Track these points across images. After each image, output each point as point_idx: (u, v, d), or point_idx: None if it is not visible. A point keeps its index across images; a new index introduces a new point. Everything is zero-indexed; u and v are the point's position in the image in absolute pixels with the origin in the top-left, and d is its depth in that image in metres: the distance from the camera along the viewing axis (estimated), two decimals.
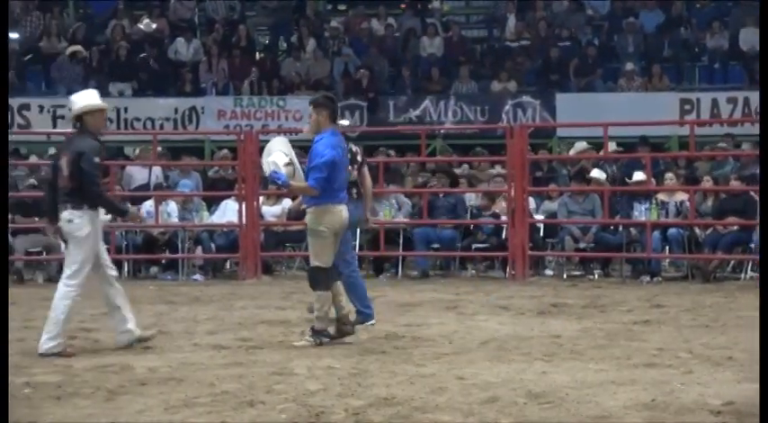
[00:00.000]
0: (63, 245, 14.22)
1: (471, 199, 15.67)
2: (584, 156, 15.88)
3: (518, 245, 14.02)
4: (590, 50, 20.90)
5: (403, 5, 23.54)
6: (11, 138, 18.12)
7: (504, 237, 14.62)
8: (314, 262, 8.87)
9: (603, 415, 6.18)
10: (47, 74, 21.53)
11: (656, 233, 14.05)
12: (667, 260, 14.92)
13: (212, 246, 15.01)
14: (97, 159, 8.45)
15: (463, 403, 6.49)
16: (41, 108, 20.18)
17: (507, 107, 19.98)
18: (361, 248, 14.76)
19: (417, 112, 20.22)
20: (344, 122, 9.79)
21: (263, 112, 20.25)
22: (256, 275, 14.37)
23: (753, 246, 13.54)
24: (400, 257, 15.05)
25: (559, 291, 12.84)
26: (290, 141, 9.02)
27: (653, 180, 14.75)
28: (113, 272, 8.77)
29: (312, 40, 21.67)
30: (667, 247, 14.19)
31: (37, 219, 14.70)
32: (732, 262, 14.35)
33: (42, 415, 6.36)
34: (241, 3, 23.06)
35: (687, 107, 19.42)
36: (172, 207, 15.11)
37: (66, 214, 8.43)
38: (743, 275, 13.87)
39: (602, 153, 15.26)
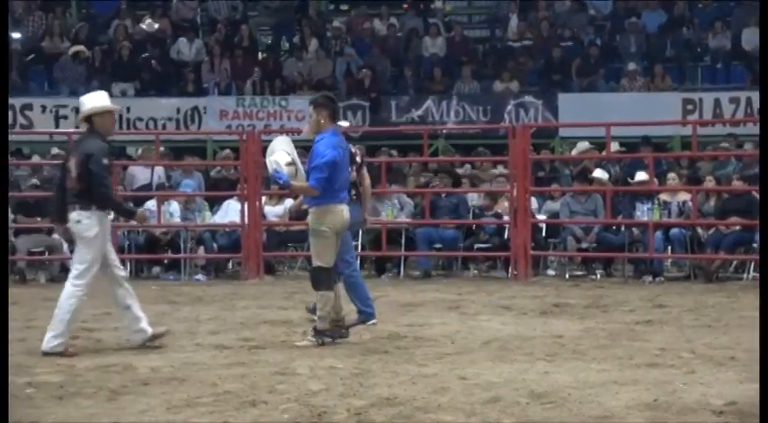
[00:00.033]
0: (66, 245, 14.38)
1: (473, 199, 15.67)
2: (587, 156, 15.88)
3: (520, 245, 14.02)
4: (592, 50, 20.89)
5: (405, 5, 23.55)
6: (13, 138, 18.20)
7: (506, 237, 14.62)
8: (316, 262, 8.87)
9: (606, 415, 6.18)
10: (49, 74, 21.54)
11: (659, 233, 14.04)
12: (670, 260, 14.90)
13: (214, 246, 15.02)
14: (106, 161, 8.47)
15: (465, 403, 6.49)
16: (44, 108, 20.19)
17: (509, 107, 19.97)
18: (363, 248, 14.79)
19: (420, 112, 20.22)
20: (344, 124, 9.78)
21: (266, 113, 20.25)
22: (258, 275, 14.38)
23: (755, 246, 13.52)
24: (402, 257, 15.04)
25: (562, 291, 12.83)
26: (293, 141, 9.03)
27: (655, 180, 14.76)
28: (122, 272, 8.80)
29: (314, 40, 21.67)
30: (670, 248, 14.18)
31: (39, 219, 14.73)
32: (734, 262, 14.34)
33: (44, 415, 6.36)
34: (243, 3, 23.07)
35: (689, 107, 19.42)
36: (174, 207, 15.11)
37: (74, 215, 8.46)
38: (745, 275, 13.86)
39: (604, 153, 15.26)
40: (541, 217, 15.02)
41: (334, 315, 8.89)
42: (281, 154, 8.69)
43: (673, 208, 14.31)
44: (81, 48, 21.28)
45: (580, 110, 18.83)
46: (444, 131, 19.91)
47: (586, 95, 19.97)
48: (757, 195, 13.52)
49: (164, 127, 19.75)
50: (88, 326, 9.58)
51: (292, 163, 8.68)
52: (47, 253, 14.83)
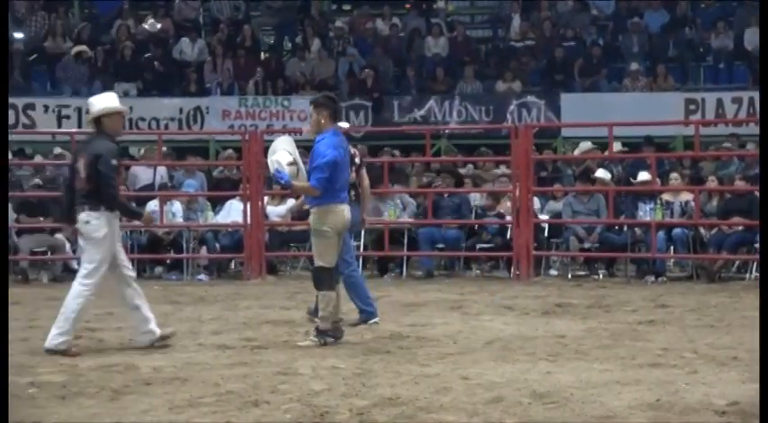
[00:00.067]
0: (68, 244, 14.40)
1: (476, 199, 15.67)
2: (589, 156, 15.87)
3: (523, 245, 14.02)
4: (595, 50, 20.89)
5: (408, 5, 23.56)
6: (16, 137, 18.22)
7: (508, 237, 14.62)
8: (318, 262, 8.87)
9: (608, 415, 6.18)
10: (52, 74, 21.55)
11: (661, 233, 14.04)
12: (672, 260, 14.90)
13: (217, 246, 15.02)
14: (114, 162, 8.49)
15: (468, 403, 6.49)
16: (46, 108, 20.20)
17: (512, 107, 19.97)
18: (365, 248, 14.80)
19: (422, 112, 20.22)
20: (344, 125, 9.79)
21: (268, 112, 20.26)
22: (261, 275, 14.38)
23: (757, 246, 13.51)
24: (405, 257, 15.03)
25: (564, 291, 12.83)
26: (295, 141, 9.03)
27: (658, 180, 14.76)
28: (131, 272, 8.81)
29: (317, 40, 21.68)
30: (672, 248, 14.18)
31: (42, 218, 14.75)
32: (737, 262, 14.34)
33: (47, 414, 6.36)
34: (246, 3, 23.07)
35: (692, 107, 19.42)
36: (176, 207, 15.12)
37: (83, 216, 8.47)
38: (748, 275, 13.86)
39: (606, 153, 15.25)
40: (544, 217, 15.02)
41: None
42: (282, 154, 8.69)
43: (675, 208, 14.30)
44: (83, 48, 21.29)
45: (582, 110, 18.83)
46: (447, 131, 19.90)
47: (589, 95, 19.97)
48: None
49: (166, 127, 19.77)
50: (91, 326, 9.58)
51: (294, 163, 8.68)
52: (49, 253, 14.83)
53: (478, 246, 14.97)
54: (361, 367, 7.71)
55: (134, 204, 12.58)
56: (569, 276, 14.47)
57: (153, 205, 14.80)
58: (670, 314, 10.58)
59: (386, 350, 8.48)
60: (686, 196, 14.31)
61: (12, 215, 14.63)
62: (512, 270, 14.29)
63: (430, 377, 7.29)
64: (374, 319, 9.83)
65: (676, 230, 14.10)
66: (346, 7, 24.80)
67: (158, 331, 8.70)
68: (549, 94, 20.15)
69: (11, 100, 18.89)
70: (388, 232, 14.50)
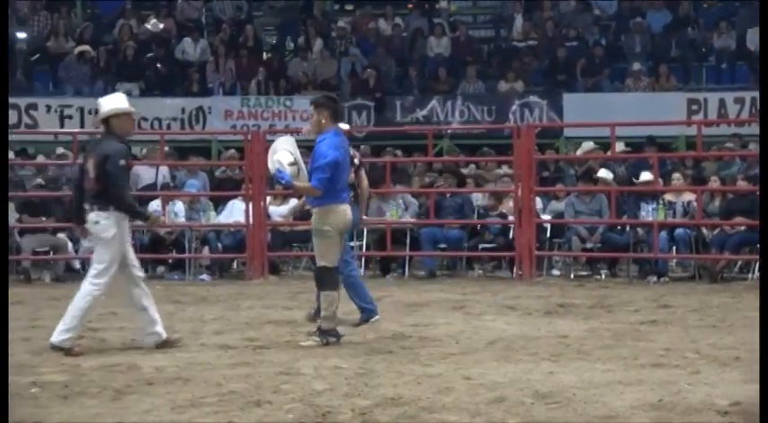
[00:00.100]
0: (71, 244, 14.41)
1: (478, 199, 15.67)
2: (592, 156, 15.87)
3: (525, 245, 14.01)
4: (597, 50, 20.88)
5: (410, 5, 23.55)
6: (18, 137, 18.23)
7: (510, 237, 14.61)
8: (320, 262, 8.87)
9: (610, 415, 6.18)
10: (54, 74, 21.56)
11: (664, 233, 14.04)
12: (674, 260, 14.90)
13: (219, 246, 15.02)
14: (123, 162, 8.50)
15: (470, 403, 6.49)
16: (49, 108, 20.21)
17: (514, 107, 19.96)
18: (368, 248, 14.80)
19: (424, 112, 20.22)
20: (344, 126, 9.79)
21: (270, 112, 20.26)
22: (263, 275, 14.38)
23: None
24: (407, 257, 15.03)
25: (566, 291, 12.83)
26: (297, 141, 9.02)
27: (660, 180, 14.74)
28: (140, 272, 8.81)
29: (319, 40, 21.68)
30: (674, 248, 14.17)
31: (44, 218, 14.75)
32: (739, 262, 14.34)
33: (49, 414, 6.37)
34: (248, 3, 23.08)
35: (694, 107, 19.40)
36: (179, 207, 15.13)
37: (92, 216, 8.49)
38: (750, 276, 13.86)
39: (609, 153, 15.25)
40: (546, 217, 15.02)
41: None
42: (283, 153, 8.69)
43: (677, 208, 14.29)
44: (86, 48, 21.30)
45: (585, 110, 18.82)
46: (449, 131, 19.89)
47: (591, 95, 19.96)
48: None
49: (168, 127, 19.77)
50: (93, 326, 9.56)
51: (295, 163, 8.68)
52: (51, 252, 14.84)
53: (481, 246, 14.96)
54: (364, 367, 7.71)
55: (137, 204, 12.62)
56: (572, 276, 14.47)
57: (155, 205, 14.81)
58: (672, 314, 10.58)
59: (388, 350, 8.48)
60: (688, 196, 14.31)
61: (14, 215, 14.65)
62: (514, 270, 14.29)
63: (432, 377, 7.29)
64: (375, 317, 9.82)
65: (679, 231, 14.09)
66: (349, 7, 24.79)
67: (164, 334, 8.70)
68: (552, 94, 20.14)
69: (13, 100, 18.92)
70: (391, 232, 14.49)
